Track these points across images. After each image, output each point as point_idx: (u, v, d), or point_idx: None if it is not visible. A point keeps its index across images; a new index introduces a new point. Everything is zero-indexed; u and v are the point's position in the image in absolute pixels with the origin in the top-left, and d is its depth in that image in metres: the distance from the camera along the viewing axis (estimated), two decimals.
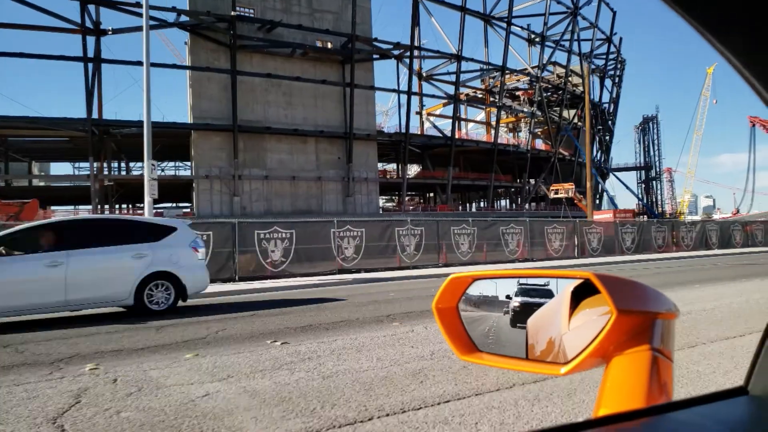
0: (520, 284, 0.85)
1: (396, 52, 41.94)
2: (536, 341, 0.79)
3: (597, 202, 57.61)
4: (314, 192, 38.54)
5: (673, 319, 0.76)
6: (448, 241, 19.47)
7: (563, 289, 0.79)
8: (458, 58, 44.04)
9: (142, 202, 13.19)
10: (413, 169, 52.13)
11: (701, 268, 15.83)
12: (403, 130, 42.18)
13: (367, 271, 17.10)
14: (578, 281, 0.76)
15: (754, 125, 72.48)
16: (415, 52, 43.65)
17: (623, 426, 0.62)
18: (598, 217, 31.93)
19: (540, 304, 0.80)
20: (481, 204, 55.55)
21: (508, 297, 0.85)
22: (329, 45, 39.33)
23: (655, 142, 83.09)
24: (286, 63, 37.59)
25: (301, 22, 37.48)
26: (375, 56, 41.71)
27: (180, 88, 37.00)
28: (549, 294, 0.80)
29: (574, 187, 43.84)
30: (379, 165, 48.19)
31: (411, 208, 50.60)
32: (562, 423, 0.57)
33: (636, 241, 24.52)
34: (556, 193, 45.10)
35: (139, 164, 44.15)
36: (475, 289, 0.88)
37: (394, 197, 56.70)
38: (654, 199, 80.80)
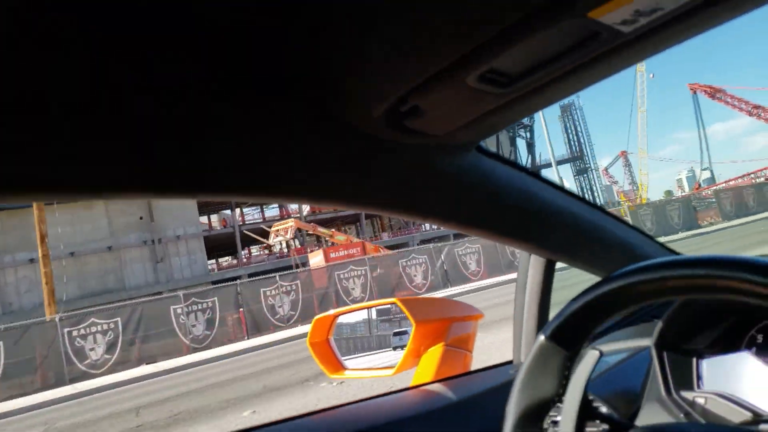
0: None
1: None
2: (383, 354, 1.15)
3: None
4: (111, 266, 32.04)
5: (474, 321, 1.11)
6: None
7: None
8: None
9: None
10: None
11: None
12: None
13: None
14: (390, 305, 1.13)
15: (695, 92, 65.39)
16: None
17: (422, 390, 0.96)
18: (312, 261, 23.77)
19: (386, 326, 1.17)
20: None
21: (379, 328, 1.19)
22: None
23: (581, 129, 73.45)
24: None
25: None
26: None
27: None
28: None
29: (293, 224, 28.28)
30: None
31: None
32: (382, 392, 1.00)
33: (370, 290, 17.68)
34: (277, 235, 29.25)
35: None
36: (346, 320, 1.21)
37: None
38: (590, 191, 73.77)
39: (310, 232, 30.13)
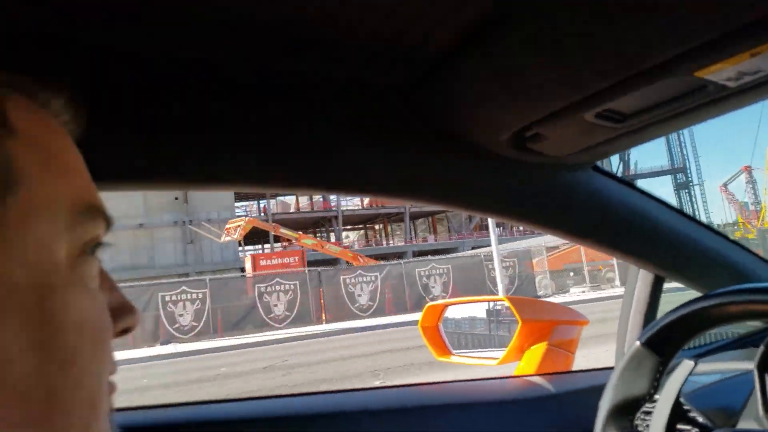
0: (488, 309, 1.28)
1: None
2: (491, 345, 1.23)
3: None
4: (143, 243, 32.27)
5: (579, 326, 1.16)
6: None
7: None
8: None
9: None
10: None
11: None
12: None
13: None
14: (500, 301, 1.25)
15: None
16: None
17: (524, 379, 1.03)
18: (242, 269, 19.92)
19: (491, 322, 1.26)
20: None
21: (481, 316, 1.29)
22: None
23: (685, 139, 58.42)
24: None
25: None
26: None
27: None
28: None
29: (243, 223, 22.62)
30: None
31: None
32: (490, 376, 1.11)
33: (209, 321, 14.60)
34: (228, 234, 23.96)
35: None
36: (457, 312, 1.31)
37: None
38: (690, 207, 63.80)
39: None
